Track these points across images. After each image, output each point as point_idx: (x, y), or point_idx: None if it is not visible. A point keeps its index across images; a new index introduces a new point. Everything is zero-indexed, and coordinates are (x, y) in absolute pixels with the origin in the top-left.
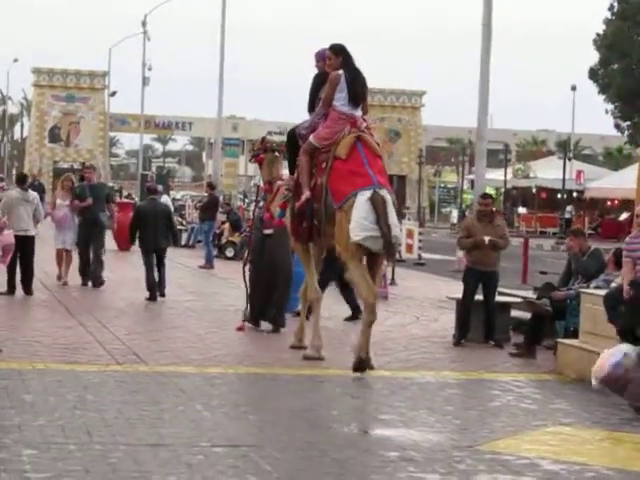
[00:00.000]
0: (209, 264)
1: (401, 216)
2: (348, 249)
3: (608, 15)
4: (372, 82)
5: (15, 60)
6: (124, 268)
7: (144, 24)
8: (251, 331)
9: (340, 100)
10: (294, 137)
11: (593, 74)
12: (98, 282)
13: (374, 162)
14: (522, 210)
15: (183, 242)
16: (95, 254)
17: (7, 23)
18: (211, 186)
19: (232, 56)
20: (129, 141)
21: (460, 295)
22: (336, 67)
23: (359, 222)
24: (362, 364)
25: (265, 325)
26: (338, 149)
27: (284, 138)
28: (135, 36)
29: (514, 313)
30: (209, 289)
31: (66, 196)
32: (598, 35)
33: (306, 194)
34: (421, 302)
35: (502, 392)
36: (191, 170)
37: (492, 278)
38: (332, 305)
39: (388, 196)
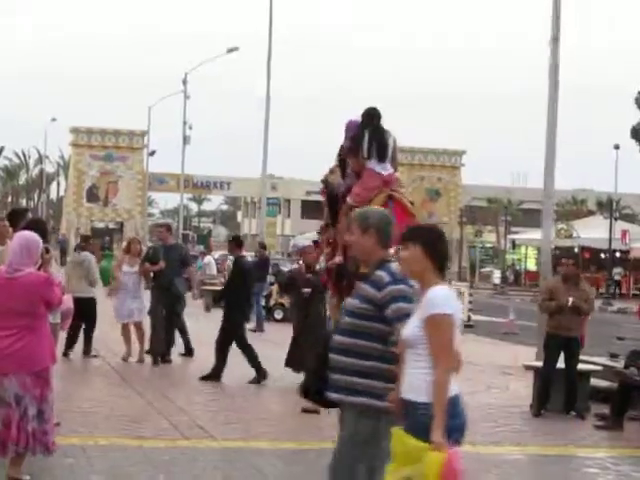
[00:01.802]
0: (259, 327)
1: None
2: None
3: None
4: (412, 141)
5: (53, 119)
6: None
7: (184, 82)
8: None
9: (371, 161)
10: (332, 197)
11: (635, 133)
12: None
13: (405, 220)
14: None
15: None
16: (170, 325)
17: (46, 81)
18: (262, 245)
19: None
20: (164, 201)
21: (537, 363)
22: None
23: None
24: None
25: None
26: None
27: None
28: (174, 95)
29: (593, 382)
30: (263, 353)
31: (134, 261)
32: None
33: (339, 257)
34: (484, 368)
35: (601, 470)
36: (225, 230)
37: (575, 344)
38: None
39: None
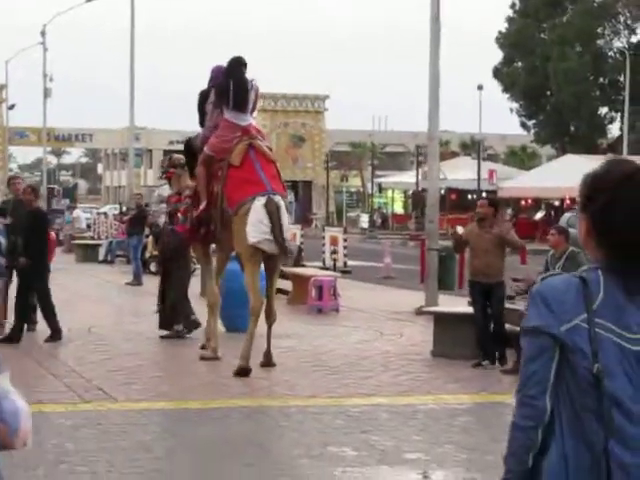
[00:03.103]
0: (137, 280)
1: (308, 222)
2: (245, 251)
3: (510, 13)
4: (275, 87)
5: None
6: None
7: (43, 34)
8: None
9: (228, 109)
10: (190, 147)
11: (497, 73)
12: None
13: (267, 168)
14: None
15: (100, 257)
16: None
17: None
18: (139, 198)
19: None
20: (22, 155)
21: (434, 308)
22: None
23: (255, 226)
24: (243, 372)
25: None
26: (232, 157)
27: None
28: (33, 47)
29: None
30: (147, 309)
31: None
32: (501, 33)
33: (203, 203)
34: (373, 314)
35: None
36: (86, 183)
37: (496, 289)
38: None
39: (281, 202)
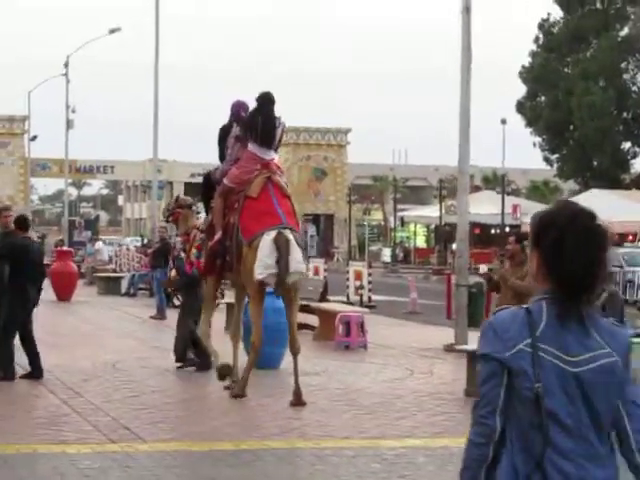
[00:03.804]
0: (161, 314)
1: (330, 256)
2: (252, 286)
3: (534, 47)
4: (298, 121)
5: None
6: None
7: (66, 65)
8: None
9: (253, 144)
10: (209, 181)
11: (520, 107)
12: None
13: (283, 202)
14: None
15: (123, 290)
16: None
17: None
18: (164, 230)
19: (149, 96)
20: (43, 186)
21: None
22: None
23: (262, 261)
24: (237, 396)
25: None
26: (250, 189)
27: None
28: (56, 78)
29: None
30: (171, 343)
31: None
32: (524, 67)
33: (218, 233)
34: (402, 351)
35: None
36: (106, 214)
37: None
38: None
39: (291, 236)
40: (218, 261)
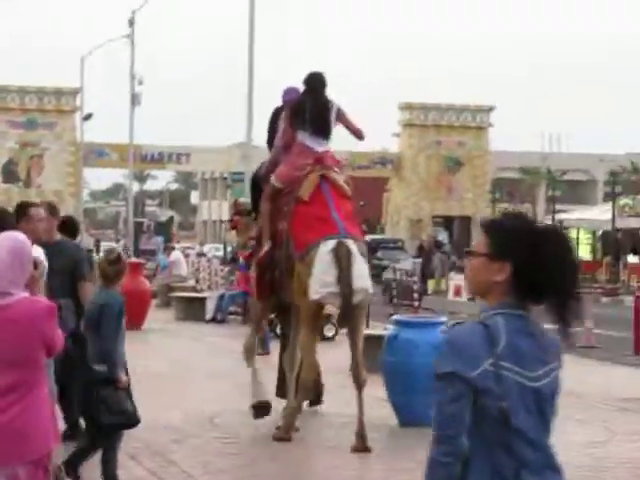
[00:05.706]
0: (263, 347)
1: (460, 271)
2: (306, 308)
3: None
4: (423, 95)
5: None
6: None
7: (131, 23)
8: None
9: (302, 134)
10: (256, 182)
11: None
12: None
13: (341, 205)
14: (633, 259)
15: (208, 316)
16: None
17: None
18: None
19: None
20: (95, 179)
21: None
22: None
23: (319, 277)
24: (281, 439)
25: None
26: (301, 190)
27: None
28: (117, 41)
29: None
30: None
31: None
32: None
33: (267, 244)
34: (591, 402)
35: None
36: (177, 215)
37: None
38: None
39: (354, 247)
40: (267, 276)
